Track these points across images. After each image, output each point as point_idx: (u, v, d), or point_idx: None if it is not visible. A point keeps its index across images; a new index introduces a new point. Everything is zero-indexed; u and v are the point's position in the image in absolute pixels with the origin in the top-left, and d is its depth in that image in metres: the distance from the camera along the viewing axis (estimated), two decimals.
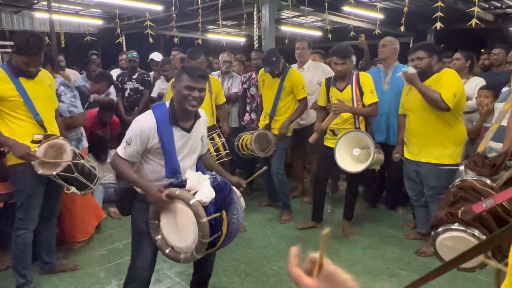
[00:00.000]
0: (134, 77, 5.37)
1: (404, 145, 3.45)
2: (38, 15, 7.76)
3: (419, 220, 3.59)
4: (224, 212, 2.07)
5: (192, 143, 2.27)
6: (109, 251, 3.55)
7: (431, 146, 3.20)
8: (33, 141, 2.68)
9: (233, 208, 2.12)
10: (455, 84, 3.06)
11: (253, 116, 4.83)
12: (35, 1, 7.24)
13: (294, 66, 4.52)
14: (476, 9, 3.98)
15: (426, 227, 3.46)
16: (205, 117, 2.40)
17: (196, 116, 2.27)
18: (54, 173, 2.65)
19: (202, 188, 2.04)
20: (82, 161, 2.80)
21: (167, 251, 2.11)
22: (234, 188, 2.22)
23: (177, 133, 2.18)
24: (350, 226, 3.86)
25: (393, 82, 4.02)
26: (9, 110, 2.61)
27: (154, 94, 5.29)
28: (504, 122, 3.00)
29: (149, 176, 2.21)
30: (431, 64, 3.11)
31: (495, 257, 1.67)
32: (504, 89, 3.32)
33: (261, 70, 4.20)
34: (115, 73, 5.65)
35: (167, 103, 2.21)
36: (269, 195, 4.63)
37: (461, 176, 2.44)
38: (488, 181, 1.92)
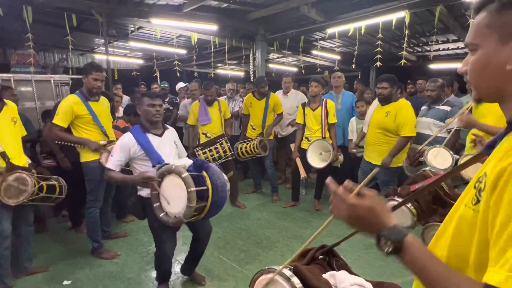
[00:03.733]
0: (166, 100, 5.36)
1: (364, 150, 3.36)
2: (97, 56, 7.74)
3: None
4: (204, 172, 1.96)
5: (166, 144, 2.19)
6: None
7: (381, 154, 3.02)
8: None
9: (211, 170, 1.97)
10: (411, 116, 2.91)
11: None
12: (95, 47, 7.22)
13: (280, 93, 4.54)
14: (404, 52, 4.07)
15: None
16: (173, 130, 2.33)
17: (165, 128, 2.25)
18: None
19: (182, 160, 1.99)
20: None
21: (170, 221, 1.93)
22: (213, 165, 2.05)
23: (151, 137, 2.12)
24: (319, 203, 3.88)
25: (343, 103, 4.17)
26: (82, 124, 2.63)
27: (180, 111, 5.18)
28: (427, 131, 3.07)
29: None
30: (391, 93, 2.96)
31: (420, 221, 1.71)
32: (423, 108, 3.33)
33: (248, 95, 4.20)
34: None
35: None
36: (254, 184, 4.49)
37: (404, 164, 2.67)
38: (442, 172, 1.95)
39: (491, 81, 0.60)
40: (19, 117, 2.38)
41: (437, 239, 0.69)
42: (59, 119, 2.54)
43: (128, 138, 2.08)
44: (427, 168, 2.04)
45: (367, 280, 0.92)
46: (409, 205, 1.70)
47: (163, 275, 2.27)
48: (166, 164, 1.99)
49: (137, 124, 2.20)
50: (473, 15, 0.64)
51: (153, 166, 2.06)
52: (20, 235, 2.42)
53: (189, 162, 1.94)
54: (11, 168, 2.16)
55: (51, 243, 3.07)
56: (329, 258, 1.01)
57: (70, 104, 2.54)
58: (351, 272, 0.96)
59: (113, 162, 2.07)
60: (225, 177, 2.03)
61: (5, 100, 2.26)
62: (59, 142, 2.64)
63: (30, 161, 2.44)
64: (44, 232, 3.29)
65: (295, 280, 0.85)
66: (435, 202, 1.73)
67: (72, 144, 2.62)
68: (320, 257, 1.00)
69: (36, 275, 2.51)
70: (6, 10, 3.31)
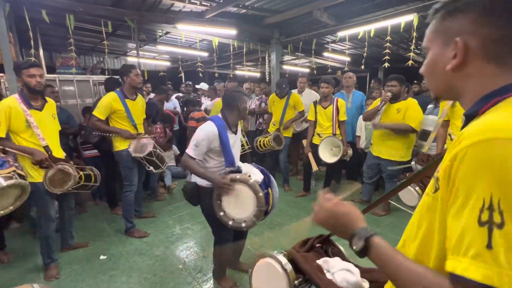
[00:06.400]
0: (185, 100, 5.38)
1: (371, 144, 3.30)
2: (129, 59, 7.90)
3: (365, 191, 3.47)
4: (269, 189, 1.86)
5: (237, 142, 2.07)
6: (174, 208, 3.59)
7: (390, 148, 3.00)
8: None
9: (273, 186, 1.91)
10: (419, 113, 2.86)
11: (261, 120, 4.83)
12: (128, 50, 7.36)
13: (295, 91, 4.48)
14: (411, 54, 3.90)
15: (367, 197, 3.42)
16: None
17: (238, 124, 2.11)
18: (142, 155, 2.70)
19: (254, 172, 1.84)
20: (157, 151, 2.83)
21: (230, 223, 1.82)
22: (273, 178, 1.97)
23: (230, 135, 1.94)
24: None
25: (353, 102, 4.04)
26: (117, 118, 2.69)
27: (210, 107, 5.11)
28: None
29: (212, 169, 1.92)
30: (400, 91, 2.92)
31: None
32: (429, 106, 3.21)
33: (272, 94, 4.14)
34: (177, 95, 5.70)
35: (220, 115, 1.94)
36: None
37: (415, 168, 2.41)
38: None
39: (439, 81, 0.61)
40: (56, 112, 2.35)
41: (408, 228, 0.69)
42: (99, 112, 2.63)
43: (213, 129, 1.83)
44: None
45: (358, 266, 0.91)
46: (416, 187, 1.67)
47: (222, 267, 2.13)
48: (239, 169, 1.89)
49: (218, 116, 1.95)
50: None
51: (226, 167, 1.91)
52: (63, 217, 2.53)
53: (260, 177, 1.81)
54: (53, 160, 2.17)
55: (90, 223, 3.20)
56: (326, 246, 1.03)
57: (109, 101, 2.63)
58: (344, 259, 0.95)
59: (197, 152, 1.83)
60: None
61: (46, 98, 2.27)
62: (97, 133, 2.75)
63: (65, 154, 2.42)
64: (84, 213, 3.44)
65: (288, 266, 0.88)
66: None
67: (107, 134, 2.70)
68: (317, 245, 1.02)
69: (77, 250, 2.63)
70: (51, 18, 3.42)
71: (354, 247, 0.62)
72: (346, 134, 3.55)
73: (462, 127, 0.58)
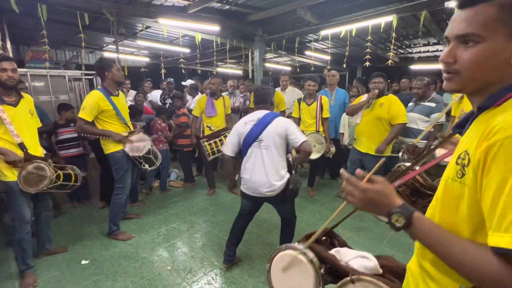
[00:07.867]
0: (171, 95, 5.24)
1: (355, 140, 3.35)
2: (106, 54, 7.53)
3: None
4: None
5: None
6: (157, 207, 3.48)
7: (371, 143, 3.04)
8: None
9: None
10: (402, 107, 2.93)
11: None
12: (105, 45, 7.01)
13: (278, 89, 4.49)
14: (391, 53, 4.04)
15: None
16: None
17: None
18: (141, 154, 2.62)
19: None
20: (153, 147, 2.74)
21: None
22: None
23: None
24: (312, 190, 3.88)
25: (336, 99, 4.10)
26: (106, 118, 2.52)
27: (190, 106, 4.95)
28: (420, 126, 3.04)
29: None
30: (385, 87, 3.02)
31: None
32: (410, 104, 3.34)
33: None
34: (157, 93, 5.51)
35: (268, 111, 2.23)
36: None
37: (401, 157, 2.48)
38: (416, 166, 1.91)
39: (490, 73, 0.58)
40: (35, 109, 2.25)
41: (432, 213, 0.71)
42: (85, 114, 2.43)
43: None
44: (401, 164, 2.01)
45: None
46: None
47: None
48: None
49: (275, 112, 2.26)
50: (464, 5, 0.60)
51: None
52: (40, 220, 2.37)
53: None
54: (29, 158, 2.06)
55: (68, 226, 3.02)
56: (331, 239, 1.08)
57: (96, 101, 2.44)
58: (350, 248, 1.02)
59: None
60: None
61: (22, 93, 2.16)
62: (84, 135, 2.54)
63: (45, 152, 2.32)
64: (61, 216, 3.24)
65: (310, 254, 0.92)
66: (413, 194, 1.70)
67: (97, 137, 2.53)
68: (323, 238, 1.06)
69: (56, 256, 2.47)
70: (20, 8, 3.17)
71: (397, 224, 0.63)
72: (329, 131, 3.61)
73: (473, 119, 0.62)
